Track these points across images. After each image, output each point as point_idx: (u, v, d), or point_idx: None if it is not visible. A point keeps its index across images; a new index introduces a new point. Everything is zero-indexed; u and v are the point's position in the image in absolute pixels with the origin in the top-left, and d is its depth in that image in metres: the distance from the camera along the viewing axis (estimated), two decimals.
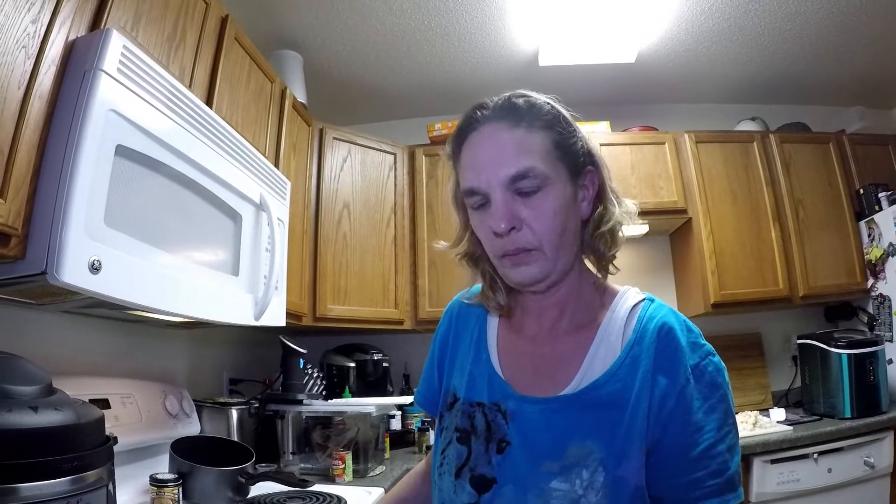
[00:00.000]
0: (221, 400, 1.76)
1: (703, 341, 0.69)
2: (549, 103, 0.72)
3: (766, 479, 1.91)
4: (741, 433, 1.74)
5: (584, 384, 0.68)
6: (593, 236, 0.73)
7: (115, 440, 0.81)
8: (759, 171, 2.50)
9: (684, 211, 2.47)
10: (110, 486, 0.67)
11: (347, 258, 2.22)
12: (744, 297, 2.36)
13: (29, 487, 0.55)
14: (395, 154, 2.49)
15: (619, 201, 0.75)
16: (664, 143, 2.52)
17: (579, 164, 0.71)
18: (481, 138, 0.70)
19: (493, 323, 0.81)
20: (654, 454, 0.64)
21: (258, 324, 1.47)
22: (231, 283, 1.37)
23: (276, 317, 1.57)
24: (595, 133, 2.49)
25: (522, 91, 0.73)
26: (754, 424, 2.08)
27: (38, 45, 0.90)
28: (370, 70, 2.53)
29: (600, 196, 0.74)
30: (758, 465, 1.91)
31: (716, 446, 0.63)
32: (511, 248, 0.68)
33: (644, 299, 0.74)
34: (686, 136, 2.52)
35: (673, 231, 2.71)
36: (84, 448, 0.64)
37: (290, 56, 2.26)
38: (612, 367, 0.67)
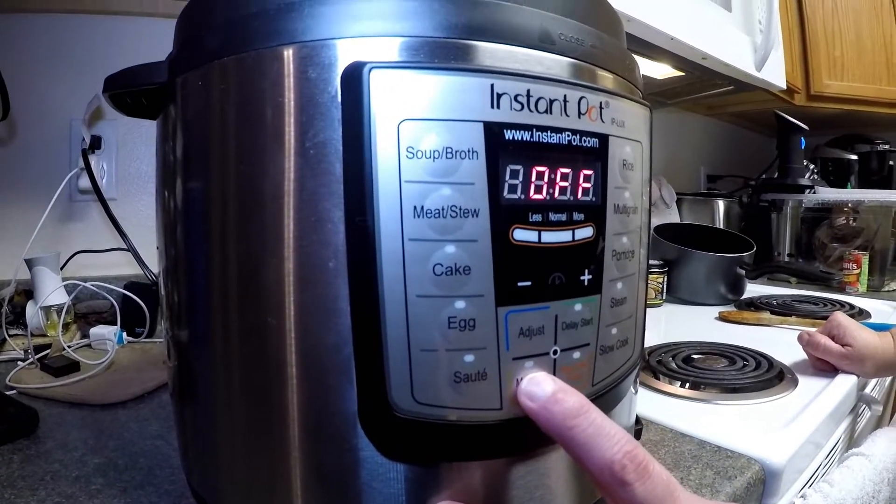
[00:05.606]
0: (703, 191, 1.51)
1: None
2: None
3: None
4: None
5: None
6: None
7: None
8: None
9: None
10: None
11: (839, 23, 1.65)
12: None
13: None
14: None
15: None
16: None
17: None
18: None
19: None
20: None
21: (758, 75, 1.13)
22: (724, 18, 1.06)
23: (775, 73, 1.19)
24: None
25: None
26: None
27: None
28: None
29: None
30: None
31: None
32: None
33: None
34: None
35: None
36: None
37: None
38: None
